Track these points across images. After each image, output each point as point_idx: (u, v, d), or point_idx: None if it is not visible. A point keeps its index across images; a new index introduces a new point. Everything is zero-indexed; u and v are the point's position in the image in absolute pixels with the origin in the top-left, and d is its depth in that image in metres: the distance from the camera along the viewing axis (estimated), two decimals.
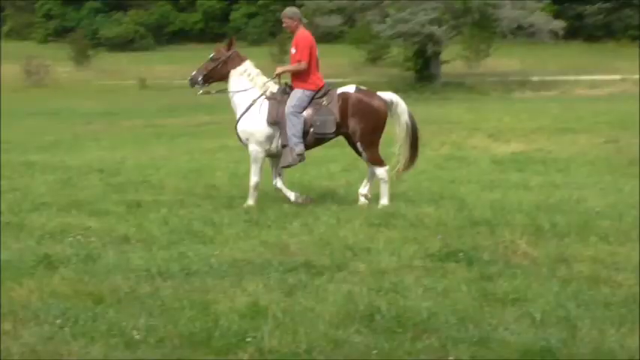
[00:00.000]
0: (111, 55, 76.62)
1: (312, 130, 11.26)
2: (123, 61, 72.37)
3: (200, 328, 6.03)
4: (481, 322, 6.18)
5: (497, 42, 56.41)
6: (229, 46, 11.87)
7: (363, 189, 11.63)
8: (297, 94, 11.32)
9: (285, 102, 11.28)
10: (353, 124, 11.30)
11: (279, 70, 11.94)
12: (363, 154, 11.59)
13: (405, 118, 11.77)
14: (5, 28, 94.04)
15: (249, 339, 5.77)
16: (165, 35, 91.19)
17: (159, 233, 9.31)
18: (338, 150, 16.67)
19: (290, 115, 11.13)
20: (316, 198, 11.74)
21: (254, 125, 11.35)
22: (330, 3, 55.44)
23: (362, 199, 11.47)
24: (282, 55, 67.42)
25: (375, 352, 5.56)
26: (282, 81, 11.82)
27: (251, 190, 11.50)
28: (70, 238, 8.98)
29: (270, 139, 11.39)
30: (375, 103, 11.59)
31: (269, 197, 11.76)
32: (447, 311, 6.38)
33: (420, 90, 46.05)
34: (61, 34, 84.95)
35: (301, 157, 11.31)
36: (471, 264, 7.93)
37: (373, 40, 57.76)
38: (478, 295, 6.87)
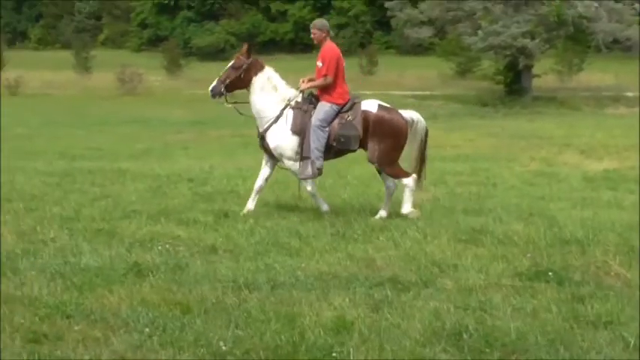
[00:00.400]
0: (202, 64, 77.21)
1: (334, 144, 11.10)
2: (213, 70, 72.55)
3: (286, 341, 6.01)
4: (572, 344, 6.05)
5: (592, 56, 55.08)
6: (248, 53, 11.50)
7: (383, 210, 11.47)
8: (325, 108, 11.16)
9: (309, 112, 11.18)
10: (373, 143, 11.15)
11: (303, 86, 11.58)
12: (383, 171, 11.54)
13: (421, 135, 11.74)
14: (101, 37, 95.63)
15: (334, 354, 5.75)
16: (256, 45, 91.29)
17: (246, 244, 9.30)
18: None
19: (316, 128, 10.99)
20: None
21: (285, 139, 11.16)
22: (421, 14, 55.38)
23: (381, 214, 11.35)
24: (371, 67, 67.64)
25: None
26: (307, 92, 11.60)
27: (313, 199, 11.62)
28: (159, 247, 9.01)
29: (296, 148, 11.22)
30: (396, 122, 11.38)
31: (355, 210, 11.65)
32: (537, 332, 6.26)
33: (510, 104, 45.61)
34: (154, 43, 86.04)
35: (320, 172, 11.24)
36: (562, 284, 7.71)
37: (463, 52, 57.15)
38: (569, 317, 6.69)
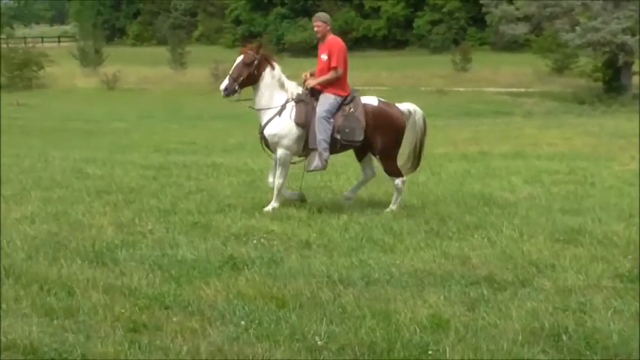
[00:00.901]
0: (294, 60, 77.45)
1: (339, 136, 10.90)
2: (306, 65, 72.73)
3: (381, 338, 5.97)
4: None
5: None
6: (258, 49, 11.18)
7: (393, 204, 11.47)
8: (330, 99, 10.96)
9: (312, 104, 11.01)
10: (374, 137, 11.10)
11: (312, 82, 11.20)
12: (382, 165, 11.57)
13: (420, 124, 11.78)
14: (196, 33, 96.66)
15: (430, 352, 5.69)
16: (349, 41, 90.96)
17: (339, 239, 9.27)
18: (521, 162, 16.43)
19: (322, 119, 10.81)
20: (498, 210, 11.24)
21: (285, 129, 10.95)
22: (517, 11, 55.06)
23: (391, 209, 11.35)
24: (464, 63, 67.15)
25: None
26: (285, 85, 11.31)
27: (276, 192, 11.19)
28: (253, 241, 9.03)
29: (298, 141, 11.06)
30: (396, 116, 11.42)
31: (449, 207, 11.47)
32: None
33: (608, 102, 44.93)
34: (248, 39, 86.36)
35: (327, 164, 11.14)
36: None
37: (560, 49, 56.45)
38: None
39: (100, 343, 5.75)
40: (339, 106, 10.98)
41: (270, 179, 11.41)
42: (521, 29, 56.00)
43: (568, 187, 13.42)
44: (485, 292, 7.20)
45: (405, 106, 11.69)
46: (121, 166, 16.04)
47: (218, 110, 42.48)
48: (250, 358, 5.58)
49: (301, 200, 11.54)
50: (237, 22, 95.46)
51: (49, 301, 6.66)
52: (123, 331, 6.03)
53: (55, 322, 6.17)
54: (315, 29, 11.48)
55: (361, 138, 11.02)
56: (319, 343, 5.88)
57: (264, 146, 11.42)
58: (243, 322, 6.26)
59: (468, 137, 27.54)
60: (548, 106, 44.34)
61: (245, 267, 7.91)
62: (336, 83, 11.08)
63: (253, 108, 11.21)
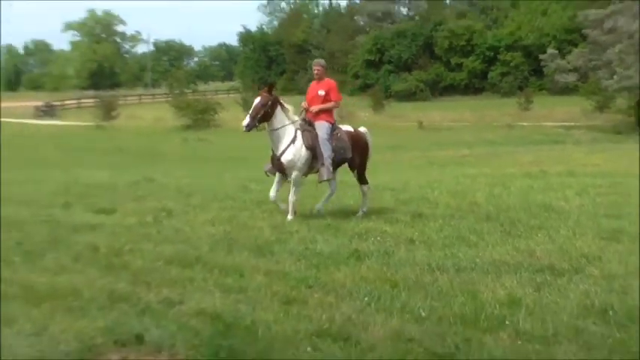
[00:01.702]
0: (399, 104, 77.48)
1: (334, 155, 10.66)
2: (407, 108, 73.09)
3: (469, 311, 5.93)
4: None
5: None
6: (270, 90, 10.65)
7: (363, 207, 11.41)
8: (326, 125, 10.71)
9: (313, 131, 10.64)
10: (355, 155, 11.10)
11: (316, 108, 10.84)
12: (357, 176, 11.53)
13: (370, 142, 11.78)
14: None
15: (507, 322, 5.63)
16: (439, 89, 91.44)
17: (436, 237, 9.16)
18: (572, 179, 16.08)
19: (325, 141, 10.54)
20: (555, 216, 10.93)
21: (299, 154, 10.44)
22: (568, 64, 54.82)
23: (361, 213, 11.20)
24: (527, 104, 66.48)
25: (609, 340, 5.26)
26: (301, 116, 10.97)
27: (292, 207, 10.64)
28: (372, 238, 9.02)
29: (307, 163, 10.60)
30: (365, 138, 11.50)
31: (519, 213, 11.12)
32: None
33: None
34: (364, 89, 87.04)
35: (333, 175, 10.90)
36: None
37: (601, 92, 55.06)
38: None
39: (262, 312, 5.86)
40: (332, 131, 10.79)
41: (272, 194, 10.86)
42: (571, 78, 55.58)
43: (609, 197, 13.00)
44: (547, 277, 7.06)
45: (363, 129, 11.80)
46: (265, 183, 16.22)
47: None
48: (372, 325, 5.56)
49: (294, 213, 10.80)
50: (356, 76, 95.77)
51: (227, 281, 6.82)
52: (279, 304, 6.13)
53: (231, 296, 6.32)
54: (315, 71, 11.24)
55: (350, 155, 10.98)
56: (423, 314, 5.87)
57: (277, 168, 10.79)
58: (366, 299, 6.29)
59: (531, 160, 27.07)
60: (593, 136, 43.14)
61: (366, 257, 7.92)
62: (330, 113, 11.00)
63: (271, 136, 10.66)
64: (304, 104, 11.08)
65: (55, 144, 39.74)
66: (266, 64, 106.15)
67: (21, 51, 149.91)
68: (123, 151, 35.87)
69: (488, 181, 16.81)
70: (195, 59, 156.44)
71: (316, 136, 10.56)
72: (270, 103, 10.36)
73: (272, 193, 10.85)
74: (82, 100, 76.30)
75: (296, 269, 7.33)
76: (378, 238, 9.07)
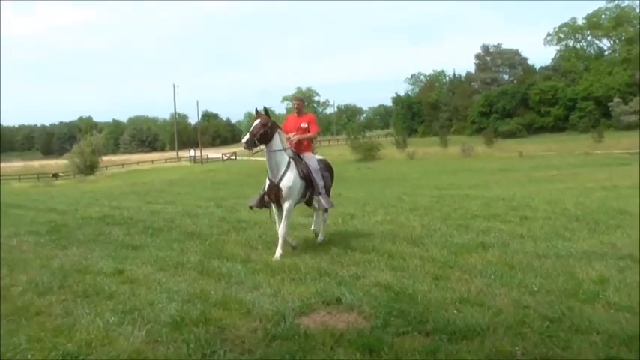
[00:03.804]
0: (504, 140, 74.49)
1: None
2: (510, 143, 70.15)
3: (570, 286, 5.45)
4: None
5: None
6: (267, 114, 7.52)
7: (321, 234, 8.37)
8: (313, 157, 8.03)
9: (301, 161, 7.75)
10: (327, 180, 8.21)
11: (295, 137, 7.88)
12: (326, 200, 7.94)
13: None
14: (452, 129, 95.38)
15: (600, 296, 5.11)
16: (532, 130, 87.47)
17: (539, 233, 8.51)
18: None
19: (318, 171, 7.88)
20: (629, 217, 9.82)
21: (296, 182, 7.49)
22: (629, 108, 51.50)
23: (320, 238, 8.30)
24: (599, 138, 62.80)
25: None
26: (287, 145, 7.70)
27: (282, 241, 7.33)
28: (492, 234, 8.47)
29: (301, 192, 7.64)
30: (330, 165, 8.52)
31: (600, 215, 10.16)
32: None
33: None
34: (478, 131, 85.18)
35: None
36: None
37: None
38: None
39: (419, 284, 5.65)
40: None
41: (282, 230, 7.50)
42: (632, 118, 51.86)
43: None
44: (628, 262, 6.39)
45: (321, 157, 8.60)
46: (419, 196, 15.98)
47: (465, 167, 41.45)
48: (498, 295, 5.27)
49: (293, 247, 7.75)
50: (473, 122, 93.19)
51: (393, 263, 6.64)
52: (430, 279, 5.88)
53: (397, 273, 6.13)
54: (296, 105, 8.31)
55: (331, 183, 8.42)
56: (535, 288, 5.43)
57: (273, 197, 7.56)
58: (492, 276, 5.90)
59: (605, 177, 25.10)
60: None
61: (489, 247, 7.46)
62: (309, 145, 8.19)
63: (270, 159, 7.45)
64: (291, 135, 8.04)
65: None
66: (410, 117, 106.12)
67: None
68: None
69: (574, 193, 15.72)
70: (364, 115, 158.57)
71: (307, 166, 7.79)
72: (269, 124, 7.45)
73: (278, 228, 7.58)
74: None
75: (440, 255, 7.04)
76: (496, 233, 8.57)
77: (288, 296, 5.27)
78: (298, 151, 7.90)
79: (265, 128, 7.32)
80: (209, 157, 69.38)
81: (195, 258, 7.00)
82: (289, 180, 7.43)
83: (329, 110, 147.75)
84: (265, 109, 7.48)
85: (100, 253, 7.62)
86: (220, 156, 66.69)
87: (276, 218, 7.68)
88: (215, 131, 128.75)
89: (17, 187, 41.85)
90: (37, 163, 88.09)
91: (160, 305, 5.04)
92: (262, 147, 7.37)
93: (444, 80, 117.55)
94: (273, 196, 7.53)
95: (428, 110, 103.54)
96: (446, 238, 8.25)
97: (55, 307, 5.14)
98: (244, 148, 7.29)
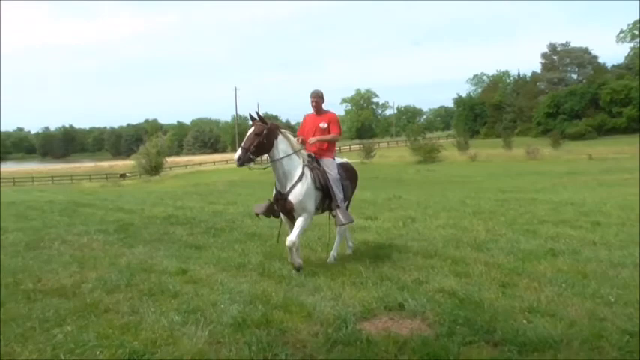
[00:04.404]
0: (571, 142, 71.73)
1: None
2: (578, 145, 67.42)
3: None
4: None
5: None
6: (262, 120, 6.33)
7: (333, 250, 7.21)
8: (333, 163, 6.89)
9: (319, 167, 6.70)
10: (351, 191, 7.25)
11: (313, 140, 6.81)
12: (344, 215, 6.74)
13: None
14: (517, 130, 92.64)
15: None
16: (602, 131, 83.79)
17: (613, 240, 8.05)
18: None
19: (337, 181, 6.74)
20: None
21: (309, 194, 6.41)
22: None
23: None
24: None
25: None
26: (301, 148, 6.66)
27: (289, 249, 6.31)
28: (562, 240, 8.07)
29: (316, 204, 6.60)
30: (354, 168, 7.46)
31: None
32: None
33: None
34: (544, 133, 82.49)
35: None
36: None
37: None
38: None
39: (485, 291, 5.45)
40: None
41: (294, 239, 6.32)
42: None
43: None
44: None
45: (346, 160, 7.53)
46: (482, 199, 15.52)
47: (530, 169, 40.11)
48: (570, 306, 4.99)
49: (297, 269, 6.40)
50: (539, 124, 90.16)
51: (457, 268, 6.43)
52: (496, 286, 5.66)
53: (462, 279, 5.93)
54: (314, 103, 6.98)
55: (351, 193, 7.33)
56: (611, 299, 5.14)
57: (282, 210, 6.60)
58: (563, 285, 5.62)
59: None
60: None
61: (559, 254, 7.13)
62: (331, 148, 7.05)
63: (275, 169, 6.43)
64: (301, 139, 6.92)
65: None
66: (472, 118, 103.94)
67: None
68: (378, 178, 36.44)
69: None
70: (424, 117, 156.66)
71: (325, 174, 6.71)
72: (265, 132, 6.26)
73: (291, 239, 6.31)
74: (352, 146, 78.90)
75: (507, 261, 6.77)
76: (566, 239, 8.17)
77: (350, 300, 5.20)
78: (318, 156, 6.87)
79: (260, 138, 6.21)
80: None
81: (256, 259, 7.04)
82: (300, 193, 6.34)
83: (388, 112, 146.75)
84: (258, 115, 6.34)
85: (165, 252, 7.81)
86: None
87: (288, 229, 6.62)
88: None
89: (88, 187, 43.83)
90: (107, 164, 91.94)
91: (222, 306, 5.09)
92: (265, 157, 6.40)
93: (508, 81, 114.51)
94: (281, 208, 6.53)
95: (491, 111, 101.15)
96: (512, 243, 7.94)
97: (122, 304, 5.28)
98: (238, 166, 6.13)
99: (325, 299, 5.24)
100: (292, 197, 6.36)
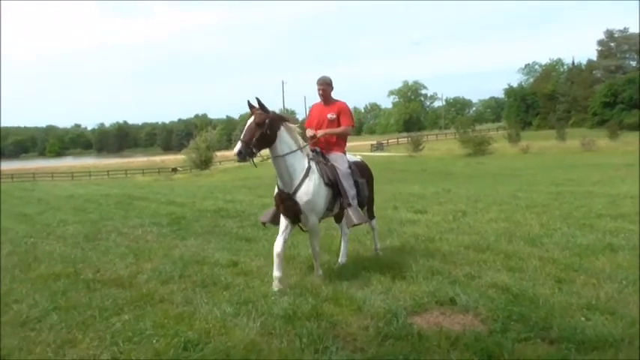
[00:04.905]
0: (630, 133, 68.67)
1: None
2: (637, 136, 64.48)
3: None
4: None
5: None
6: (263, 108, 5.43)
7: (342, 256, 6.63)
8: (343, 158, 6.10)
9: (326, 162, 5.92)
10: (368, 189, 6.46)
11: (320, 132, 6.08)
12: (369, 211, 6.39)
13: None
14: (570, 121, 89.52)
15: None
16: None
17: None
18: None
19: (348, 177, 5.95)
20: None
21: (317, 192, 5.60)
22: None
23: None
24: None
25: None
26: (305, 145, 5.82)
27: (316, 261, 5.90)
28: (621, 235, 7.77)
29: (327, 203, 5.80)
30: (368, 166, 6.65)
31: None
32: None
33: None
34: (601, 123, 79.15)
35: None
36: None
37: None
38: None
39: (540, 287, 5.31)
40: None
41: (278, 249, 5.61)
42: None
43: None
44: None
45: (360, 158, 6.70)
46: (535, 193, 15.05)
47: (584, 161, 38.73)
48: (632, 303, 4.79)
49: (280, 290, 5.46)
50: (594, 114, 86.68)
51: (510, 263, 6.27)
52: (552, 282, 5.51)
53: (515, 274, 5.77)
54: (320, 91, 6.17)
55: (368, 193, 6.43)
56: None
57: (285, 211, 5.74)
58: (623, 282, 5.41)
59: None
60: None
61: (619, 249, 6.86)
62: (341, 142, 6.23)
63: (279, 167, 5.57)
64: (310, 132, 6.16)
65: (383, 168, 41.07)
66: (524, 109, 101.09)
67: (363, 110, 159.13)
68: (427, 171, 36.02)
69: None
70: (473, 108, 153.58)
71: (334, 168, 5.92)
72: (268, 122, 5.41)
73: (277, 248, 5.64)
74: (400, 139, 78.21)
75: (562, 256, 6.56)
76: (625, 234, 7.85)
77: (400, 295, 5.16)
78: (326, 150, 6.10)
79: (262, 129, 5.36)
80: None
81: (305, 252, 7.07)
82: (308, 191, 5.55)
83: (437, 104, 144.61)
84: (259, 102, 5.45)
85: (216, 244, 7.96)
86: None
87: (280, 235, 5.72)
88: None
89: (141, 181, 45.15)
90: (158, 158, 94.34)
91: (272, 298, 5.15)
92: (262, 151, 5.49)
93: (562, 69, 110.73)
94: (286, 210, 5.69)
95: (543, 102, 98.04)
96: (567, 238, 7.69)
97: (177, 295, 5.42)
98: (238, 161, 5.32)
99: (375, 293, 5.22)
100: (299, 197, 5.54)
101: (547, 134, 73.14)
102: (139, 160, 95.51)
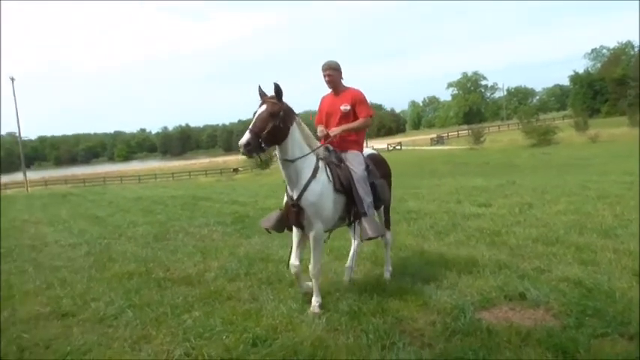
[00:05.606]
0: None
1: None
2: None
3: None
4: None
5: None
6: (278, 95, 4.57)
7: (350, 268, 5.69)
8: (359, 158, 5.17)
9: (339, 164, 5.04)
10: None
11: (336, 130, 5.14)
12: (372, 226, 4.97)
13: None
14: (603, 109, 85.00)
15: None
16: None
17: None
18: None
19: (364, 180, 5.06)
20: None
21: (324, 195, 4.78)
22: None
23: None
24: None
25: None
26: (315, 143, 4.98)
27: (316, 282, 4.94)
28: None
29: (337, 210, 4.93)
30: (387, 161, 5.73)
31: None
32: None
33: None
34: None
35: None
36: None
37: None
38: None
39: (616, 281, 5.07)
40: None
41: (294, 261, 5.06)
42: None
43: None
44: None
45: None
46: (606, 183, 14.34)
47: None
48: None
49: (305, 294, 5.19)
50: None
51: (582, 256, 6.03)
52: (629, 275, 5.27)
53: (588, 268, 5.56)
54: (327, 79, 5.18)
55: (388, 196, 5.55)
56: None
57: (295, 220, 4.93)
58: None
59: None
60: None
61: None
62: (359, 139, 5.32)
63: (287, 171, 4.81)
64: (322, 130, 5.29)
65: (444, 161, 40.43)
66: (592, 96, 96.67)
67: (421, 104, 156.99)
68: (489, 164, 35.16)
69: None
70: (537, 97, 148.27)
71: (348, 171, 5.05)
72: (282, 113, 4.57)
73: (293, 260, 5.08)
74: (460, 132, 76.64)
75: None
76: None
77: (467, 290, 5.07)
78: (340, 148, 5.22)
79: (275, 120, 4.53)
80: (374, 147, 70.48)
81: (369, 248, 7.06)
82: (314, 193, 4.76)
83: (497, 94, 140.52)
84: (277, 88, 4.57)
85: (279, 242, 8.06)
86: (386, 146, 67.15)
87: (295, 248, 5.11)
88: (380, 122, 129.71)
89: (204, 182, 46.40)
90: (220, 159, 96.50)
91: (337, 294, 5.17)
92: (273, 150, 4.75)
93: (632, 53, 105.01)
94: (291, 217, 4.95)
95: (612, 87, 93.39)
96: (609, 232, 7.28)
97: (243, 292, 5.54)
98: (244, 154, 4.48)
99: (441, 288, 5.15)
100: (304, 201, 4.76)
101: (617, 121, 69.65)
102: (201, 161, 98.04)
